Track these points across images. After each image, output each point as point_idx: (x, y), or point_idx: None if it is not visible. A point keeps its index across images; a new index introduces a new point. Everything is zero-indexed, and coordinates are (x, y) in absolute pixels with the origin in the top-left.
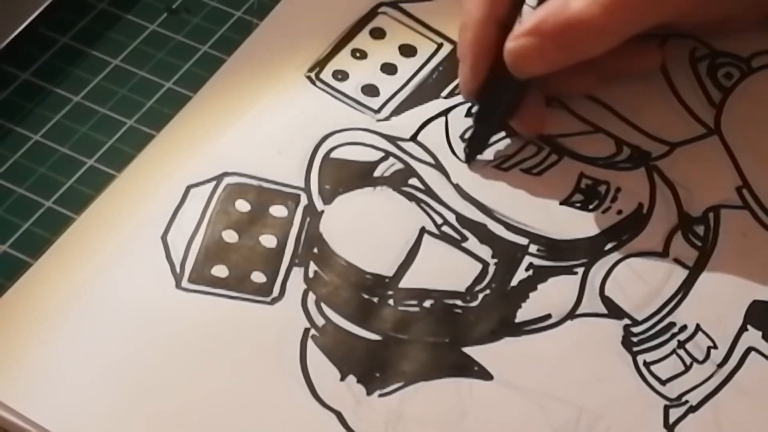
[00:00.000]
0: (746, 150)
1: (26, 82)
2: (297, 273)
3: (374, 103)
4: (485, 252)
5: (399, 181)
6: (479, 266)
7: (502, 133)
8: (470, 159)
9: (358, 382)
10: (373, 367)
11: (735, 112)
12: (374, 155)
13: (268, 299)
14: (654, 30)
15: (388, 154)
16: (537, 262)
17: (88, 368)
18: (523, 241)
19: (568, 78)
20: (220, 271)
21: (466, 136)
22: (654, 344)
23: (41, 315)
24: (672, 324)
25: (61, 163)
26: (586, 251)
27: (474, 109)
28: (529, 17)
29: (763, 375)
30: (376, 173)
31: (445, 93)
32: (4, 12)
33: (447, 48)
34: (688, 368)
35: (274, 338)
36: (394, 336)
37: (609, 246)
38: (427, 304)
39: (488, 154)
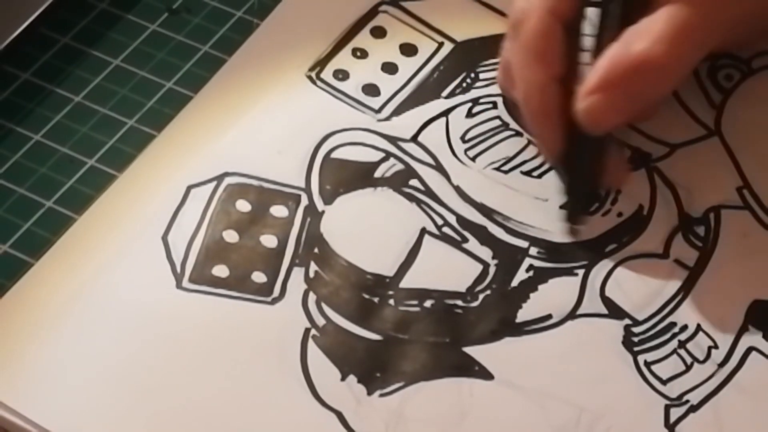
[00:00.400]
0: (746, 151)
1: (27, 82)
2: (298, 273)
3: (375, 102)
4: (486, 253)
5: (399, 182)
6: (480, 267)
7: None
8: (575, 227)
9: (359, 382)
10: (373, 367)
11: (735, 113)
12: (375, 156)
13: (269, 299)
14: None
15: (388, 155)
16: (537, 263)
17: (89, 368)
18: (524, 243)
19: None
20: (220, 271)
21: (564, 209)
22: (655, 344)
23: (42, 315)
24: (673, 324)
25: (61, 163)
26: (587, 253)
27: (562, 179)
28: (593, 70)
29: (763, 375)
30: (377, 174)
31: (445, 93)
32: (5, 12)
33: (448, 47)
34: (688, 368)
35: (275, 338)
36: (394, 336)
37: (609, 248)
38: (428, 304)
39: (489, 156)
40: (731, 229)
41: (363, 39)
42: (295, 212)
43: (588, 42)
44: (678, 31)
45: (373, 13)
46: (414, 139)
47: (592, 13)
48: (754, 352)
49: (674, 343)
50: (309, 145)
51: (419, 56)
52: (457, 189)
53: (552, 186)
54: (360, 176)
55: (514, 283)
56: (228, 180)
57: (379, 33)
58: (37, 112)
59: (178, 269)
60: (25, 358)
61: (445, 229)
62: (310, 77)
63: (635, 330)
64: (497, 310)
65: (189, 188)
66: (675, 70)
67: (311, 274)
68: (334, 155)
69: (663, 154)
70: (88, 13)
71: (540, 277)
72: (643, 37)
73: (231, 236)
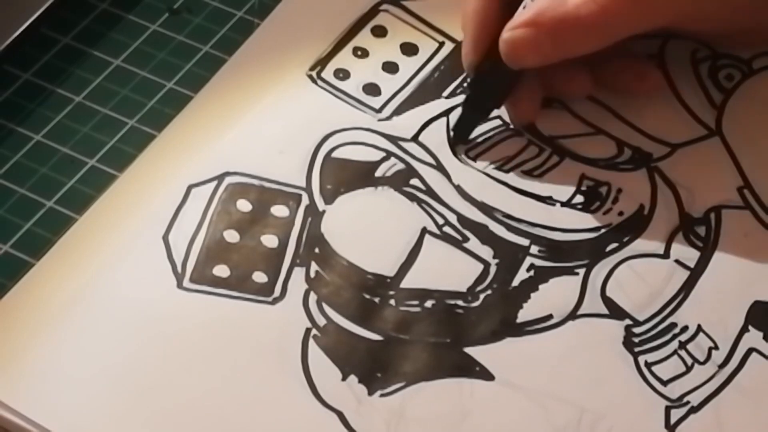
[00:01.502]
0: (747, 150)
1: (27, 82)
2: (298, 273)
3: (376, 102)
4: (486, 252)
5: (400, 182)
6: (480, 266)
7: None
8: (455, 144)
9: (360, 382)
10: (374, 367)
11: (736, 113)
12: (375, 155)
13: (270, 299)
14: (655, 32)
15: (389, 154)
16: (538, 262)
17: (90, 368)
18: (525, 242)
19: (564, 77)
20: (221, 271)
21: (453, 120)
22: (655, 345)
23: (43, 315)
24: (673, 325)
25: (62, 163)
26: (588, 252)
27: (466, 90)
28: (526, 8)
29: (764, 376)
30: (378, 173)
31: (446, 93)
32: (6, 12)
33: (449, 46)
34: (689, 369)
35: (276, 338)
36: (395, 336)
37: (610, 247)
38: (429, 304)
39: (490, 155)
40: (732, 229)
41: (364, 38)
42: (295, 212)
43: None
44: None
45: (373, 12)
46: (415, 138)
47: None
48: (754, 353)
49: (675, 344)
50: (310, 145)
51: (420, 56)
52: (458, 188)
53: (553, 185)
54: (361, 176)
55: (515, 282)
56: (229, 179)
57: (379, 32)
58: (37, 112)
59: (179, 269)
60: (25, 358)
61: (446, 229)
62: (310, 77)
63: (636, 330)
64: (498, 310)
65: (190, 188)
66: (602, 31)
67: (312, 274)
68: (334, 155)
69: (664, 154)
70: (89, 13)
71: (541, 276)
72: None
73: (232, 236)
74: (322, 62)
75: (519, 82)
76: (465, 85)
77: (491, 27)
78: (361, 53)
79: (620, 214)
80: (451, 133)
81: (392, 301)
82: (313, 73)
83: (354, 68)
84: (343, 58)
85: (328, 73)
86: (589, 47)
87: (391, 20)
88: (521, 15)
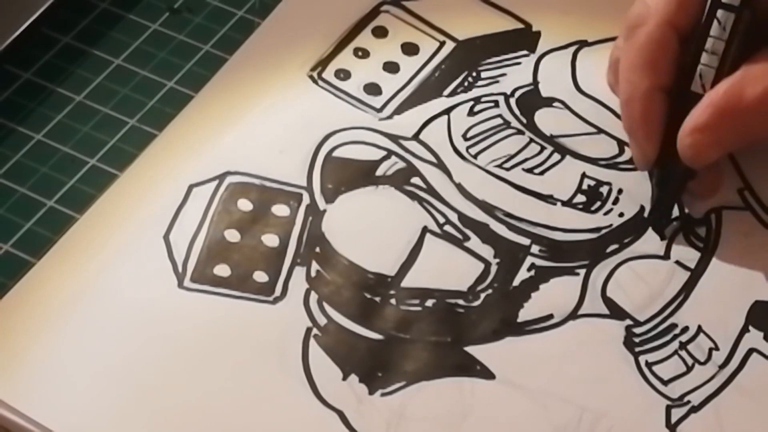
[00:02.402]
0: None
1: (28, 81)
2: (299, 272)
3: (376, 101)
4: (487, 252)
5: (401, 180)
6: (481, 266)
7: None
8: (658, 228)
9: (360, 381)
10: (375, 367)
11: None
12: (376, 154)
13: (270, 299)
14: None
15: (390, 153)
16: (539, 262)
17: (91, 367)
18: (525, 241)
19: None
20: (222, 270)
21: (651, 206)
22: (656, 345)
23: (43, 314)
24: (674, 325)
25: (63, 162)
26: (588, 253)
27: (654, 175)
28: (704, 106)
29: (764, 376)
30: (379, 172)
31: (447, 91)
32: (6, 12)
33: (450, 46)
34: (689, 369)
35: (276, 338)
36: (396, 335)
37: (611, 248)
38: (429, 303)
39: (491, 153)
40: (732, 229)
41: (364, 39)
42: (296, 211)
43: (704, 59)
44: None
45: (374, 13)
46: (416, 137)
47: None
48: (755, 354)
49: (675, 344)
50: (310, 144)
51: (421, 55)
52: (459, 187)
53: (554, 183)
54: (361, 175)
55: (516, 282)
56: (229, 179)
57: (380, 33)
58: (38, 112)
59: (180, 268)
60: (26, 358)
61: (447, 228)
62: (311, 77)
63: (636, 331)
64: (499, 310)
65: (191, 187)
66: None
67: (313, 274)
68: (335, 154)
69: None
70: (89, 13)
71: (541, 276)
72: (759, 81)
73: (233, 235)
74: (323, 63)
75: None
76: (653, 182)
77: (661, 122)
78: (362, 53)
79: (621, 215)
80: (650, 220)
81: (393, 301)
82: (314, 74)
83: (355, 68)
84: (344, 59)
85: (329, 73)
86: None
87: (391, 21)
88: (699, 114)
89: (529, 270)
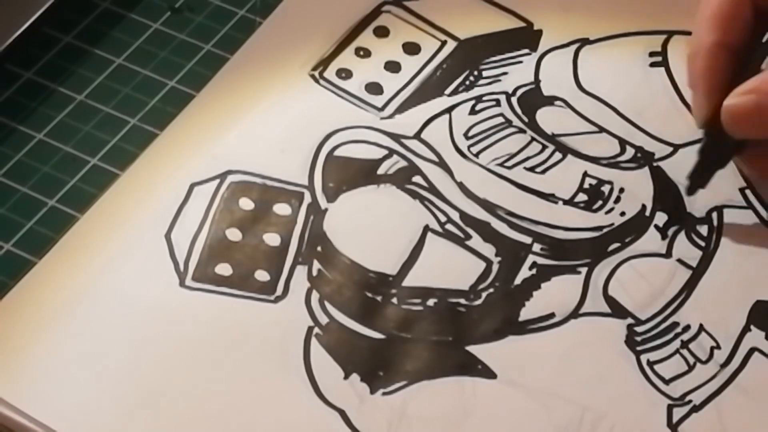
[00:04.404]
0: None
1: (29, 81)
2: (300, 271)
3: (378, 101)
4: (489, 250)
5: (403, 179)
6: (483, 265)
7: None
8: (691, 192)
9: (362, 380)
10: (376, 366)
11: None
12: (378, 153)
13: (272, 298)
14: None
15: (391, 152)
16: (540, 261)
17: (92, 366)
18: (527, 240)
19: None
20: (223, 269)
21: (690, 169)
22: (657, 344)
23: (44, 314)
24: (675, 324)
25: (64, 161)
26: (590, 251)
27: (701, 141)
28: (760, 74)
29: (766, 375)
30: (380, 171)
31: (448, 90)
32: (7, 11)
33: (451, 45)
34: (691, 368)
35: (278, 337)
36: (397, 335)
37: (612, 247)
38: (431, 302)
39: (492, 152)
40: (734, 228)
41: (366, 38)
42: (298, 210)
43: None
44: None
45: (376, 13)
46: (417, 136)
47: None
48: (756, 353)
49: (677, 343)
50: (312, 143)
51: (422, 55)
52: (461, 185)
53: (556, 182)
54: (363, 174)
55: (518, 281)
56: (231, 178)
57: (382, 32)
58: (39, 111)
59: (182, 267)
60: (27, 357)
61: (449, 226)
62: (313, 76)
63: (638, 329)
64: (500, 309)
65: (192, 186)
66: None
67: (314, 273)
68: (337, 153)
69: (666, 153)
70: (90, 12)
71: (543, 275)
72: None
73: (234, 234)
74: (324, 62)
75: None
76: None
77: (723, 80)
78: (364, 53)
79: (622, 214)
80: (687, 182)
81: (394, 300)
82: (316, 73)
83: (356, 68)
84: (346, 59)
85: (330, 72)
86: None
87: (393, 21)
88: (750, 81)
89: (530, 269)
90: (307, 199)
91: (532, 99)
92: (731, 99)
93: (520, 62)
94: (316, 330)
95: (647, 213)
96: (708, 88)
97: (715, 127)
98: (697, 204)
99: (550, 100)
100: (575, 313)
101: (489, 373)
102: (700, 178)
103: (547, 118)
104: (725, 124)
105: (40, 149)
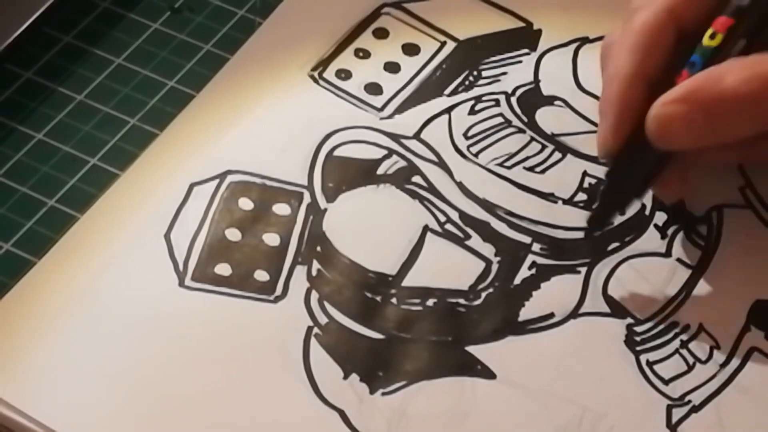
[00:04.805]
0: None
1: (29, 80)
2: (300, 271)
3: (377, 101)
4: (488, 250)
5: (402, 179)
6: (482, 264)
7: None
8: (590, 233)
9: (361, 380)
10: (376, 366)
11: None
12: (377, 153)
13: (271, 298)
14: None
15: (391, 152)
16: (540, 260)
17: (92, 366)
18: (527, 239)
19: (714, 153)
20: (223, 269)
21: (593, 207)
22: (657, 344)
23: (44, 314)
24: (675, 324)
25: (64, 161)
26: (589, 251)
27: (604, 180)
28: (679, 86)
29: (765, 375)
30: (380, 171)
31: (448, 91)
32: (7, 11)
33: (450, 45)
34: (690, 368)
35: (277, 337)
36: (397, 335)
37: (612, 246)
38: (430, 302)
39: (492, 152)
40: (734, 228)
41: (365, 40)
42: (297, 210)
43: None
44: None
45: (375, 15)
46: (416, 136)
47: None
48: (756, 353)
49: (676, 343)
50: (311, 143)
51: (422, 55)
52: (460, 185)
53: (555, 182)
54: (362, 174)
55: (517, 281)
56: (231, 178)
57: (381, 34)
58: (39, 111)
59: (181, 267)
60: (27, 357)
61: (448, 226)
62: (312, 76)
63: (637, 329)
64: (500, 309)
65: (191, 186)
66: (763, 112)
67: (314, 273)
68: (336, 153)
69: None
70: (90, 12)
71: (542, 274)
72: (742, 70)
73: (234, 234)
74: (324, 63)
75: (665, 167)
76: (604, 175)
77: (635, 111)
78: (363, 54)
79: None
80: (588, 223)
81: (394, 300)
82: (315, 74)
83: (356, 68)
84: (345, 59)
85: (329, 73)
86: (747, 131)
87: (392, 22)
88: (673, 92)
89: (530, 268)
90: (307, 199)
91: (532, 99)
92: (660, 108)
93: (520, 62)
94: (316, 330)
95: (647, 212)
96: (619, 118)
97: (619, 163)
98: (698, 204)
99: (550, 100)
100: (575, 313)
101: (488, 374)
102: (601, 220)
103: (547, 117)
104: (652, 133)
105: (39, 149)
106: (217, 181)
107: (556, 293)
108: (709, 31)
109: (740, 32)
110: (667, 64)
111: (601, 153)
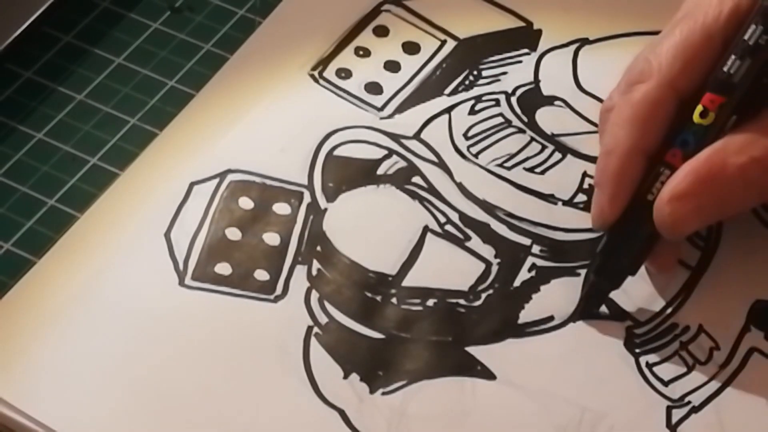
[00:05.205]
0: None
1: (29, 80)
2: (300, 271)
3: (377, 100)
4: (488, 252)
5: (402, 180)
6: (482, 266)
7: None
8: (584, 315)
9: (361, 380)
10: (376, 366)
11: None
12: (377, 153)
13: (272, 297)
14: None
15: (391, 152)
16: (540, 262)
17: (92, 366)
18: (526, 241)
19: None
20: (223, 268)
21: (587, 284)
22: (656, 345)
23: (44, 313)
24: (674, 325)
25: (64, 161)
26: (589, 253)
27: (597, 259)
28: (685, 172)
29: (765, 376)
30: (380, 171)
31: (448, 90)
32: (7, 10)
33: (451, 44)
34: (690, 369)
35: (277, 336)
36: (397, 335)
37: None
38: (430, 303)
39: (492, 152)
40: (733, 229)
41: (365, 38)
42: (297, 210)
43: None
44: None
45: (375, 12)
46: (417, 136)
47: None
48: (755, 353)
49: (676, 345)
50: (312, 143)
51: (422, 54)
52: (460, 186)
53: (555, 182)
54: (363, 174)
55: (517, 282)
56: (231, 177)
57: (381, 32)
58: (39, 111)
59: (181, 267)
60: (27, 357)
61: (448, 227)
62: (312, 76)
63: (637, 331)
64: (499, 310)
65: (192, 185)
66: (760, 194)
67: (314, 272)
68: (336, 153)
69: None
70: (90, 12)
71: (542, 276)
72: (743, 152)
73: (234, 234)
74: (323, 62)
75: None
76: (597, 251)
77: (633, 183)
78: (363, 53)
79: None
80: (580, 305)
81: (394, 300)
82: (315, 73)
83: (356, 67)
84: (345, 58)
85: (330, 72)
86: (750, 205)
87: (392, 20)
88: (679, 183)
89: (530, 270)
90: (307, 198)
91: (532, 99)
92: (673, 205)
93: (520, 62)
94: (316, 329)
95: None
96: (617, 190)
97: (616, 231)
98: None
99: (550, 100)
100: (574, 316)
101: (488, 374)
102: (596, 298)
103: (547, 117)
104: (665, 228)
105: (39, 149)
106: (217, 180)
107: (555, 295)
108: (699, 108)
109: (731, 109)
110: (666, 136)
111: (597, 224)
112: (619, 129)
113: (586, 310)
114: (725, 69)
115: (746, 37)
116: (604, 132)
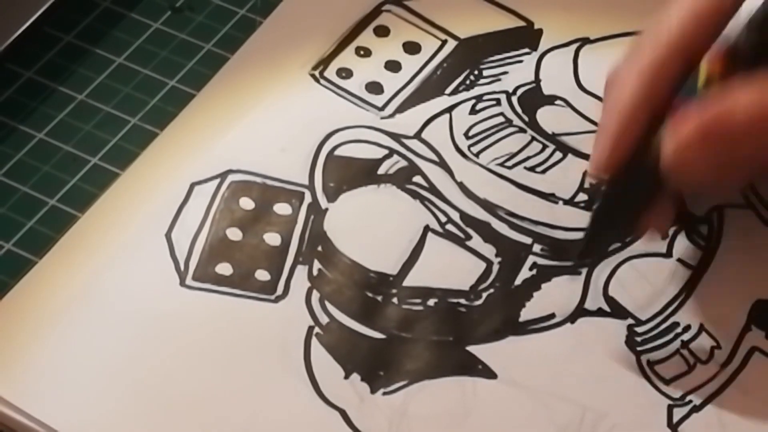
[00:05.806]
0: None
1: (30, 80)
2: (301, 271)
3: (378, 100)
4: (489, 251)
5: (403, 179)
6: (483, 265)
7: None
8: (581, 262)
9: (362, 380)
10: (377, 366)
11: None
12: (378, 153)
13: (272, 297)
14: None
15: (392, 152)
16: (541, 261)
17: (93, 366)
18: (527, 240)
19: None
20: (224, 268)
21: (582, 241)
22: (657, 344)
23: (45, 313)
24: (675, 324)
25: (64, 161)
26: None
27: (595, 206)
28: (690, 120)
29: (766, 375)
30: (380, 171)
31: (449, 90)
32: (8, 10)
33: (451, 44)
34: (691, 368)
35: (278, 336)
36: (398, 334)
37: (613, 246)
38: (431, 302)
39: (493, 152)
40: (734, 228)
41: (366, 38)
42: (298, 210)
43: None
44: None
45: (376, 12)
46: (417, 135)
47: None
48: (756, 353)
49: (677, 344)
50: (312, 143)
51: (422, 54)
52: (461, 185)
53: (556, 182)
54: (363, 173)
55: (518, 281)
56: (231, 177)
57: (382, 32)
58: (40, 111)
59: (182, 267)
60: (28, 356)
61: (449, 227)
62: (313, 76)
63: (638, 330)
64: (501, 309)
65: (192, 185)
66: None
67: (315, 272)
68: (337, 152)
69: None
70: (91, 12)
71: (543, 275)
72: (755, 101)
73: (234, 234)
74: (324, 62)
75: (659, 197)
76: (596, 193)
77: (636, 137)
78: (364, 52)
79: None
80: (577, 255)
81: (395, 300)
82: (316, 73)
83: (357, 67)
84: (346, 58)
85: (330, 72)
86: (759, 161)
87: (393, 20)
88: (686, 126)
89: (531, 269)
90: (308, 198)
91: (533, 98)
92: (674, 151)
93: (521, 61)
94: (317, 329)
95: None
96: (624, 131)
97: (612, 189)
98: (698, 204)
99: (551, 100)
100: (575, 314)
101: (489, 373)
102: (596, 245)
103: (548, 117)
104: (669, 158)
105: (40, 149)
106: (218, 180)
107: (556, 294)
108: (706, 70)
109: (738, 72)
110: (671, 99)
111: (597, 167)
112: (625, 88)
113: (584, 258)
114: (734, 33)
115: None
116: (609, 96)
